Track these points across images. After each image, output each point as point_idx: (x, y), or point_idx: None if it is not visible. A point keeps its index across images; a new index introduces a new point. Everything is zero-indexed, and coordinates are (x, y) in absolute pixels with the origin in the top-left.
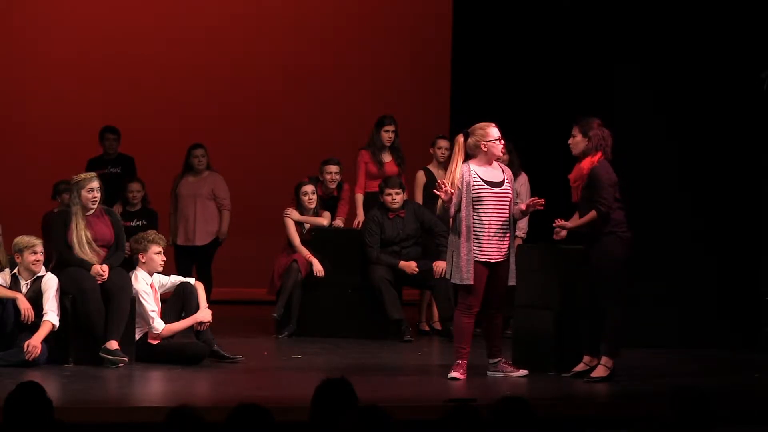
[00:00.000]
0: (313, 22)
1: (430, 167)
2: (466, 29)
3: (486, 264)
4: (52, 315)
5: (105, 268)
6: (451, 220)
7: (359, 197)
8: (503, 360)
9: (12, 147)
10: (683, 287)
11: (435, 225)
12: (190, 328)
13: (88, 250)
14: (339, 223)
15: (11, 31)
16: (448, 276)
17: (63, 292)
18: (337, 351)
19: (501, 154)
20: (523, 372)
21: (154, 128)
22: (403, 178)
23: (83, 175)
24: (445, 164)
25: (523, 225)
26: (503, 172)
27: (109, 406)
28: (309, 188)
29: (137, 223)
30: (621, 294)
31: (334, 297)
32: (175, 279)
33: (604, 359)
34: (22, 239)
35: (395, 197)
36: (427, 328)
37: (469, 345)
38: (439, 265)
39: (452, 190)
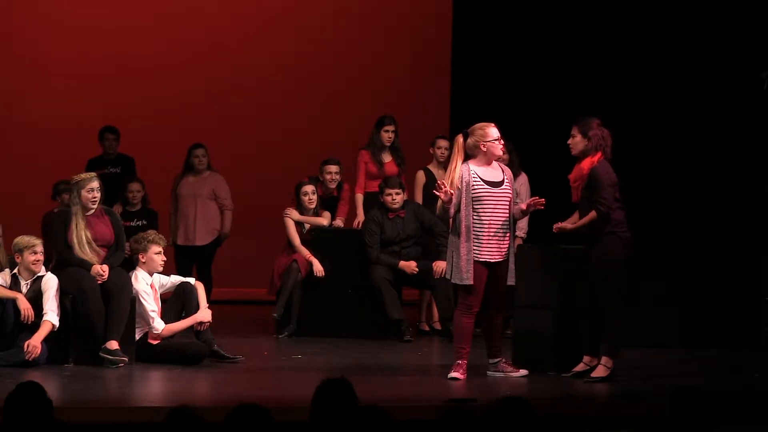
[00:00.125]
0: (313, 22)
1: (430, 167)
2: (466, 29)
3: (486, 264)
4: (52, 315)
5: (105, 268)
6: (450, 220)
7: (359, 197)
8: (503, 360)
9: (12, 147)
10: (683, 287)
11: (435, 225)
12: (190, 328)
13: (88, 250)
14: (339, 223)
15: (11, 31)
16: (448, 276)
17: (63, 292)
18: (337, 351)
19: (501, 154)
20: (523, 372)
21: (154, 128)
22: (403, 178)
23: (83, 175)
24: (444, 164)
25: (523, 225)
26: (503, 172)
27: (109, 406)
28: (309, 188)
29: (137, 223)
30: (621, 294)
31: (334, 297)
32: (175, 279)
33: (604, 359)
34: (22, 239)
35: (395, 197)
36: (427, 328)
37: (469, 345)
38: (439, 265)
39: (452, 191)
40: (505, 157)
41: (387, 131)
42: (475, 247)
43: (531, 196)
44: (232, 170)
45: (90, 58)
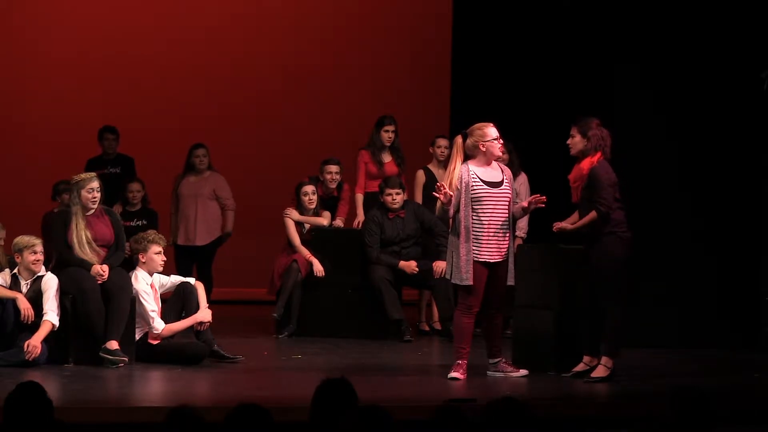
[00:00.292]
0: (313, 22)
1: (430, 166)
2: (466, 29)
3: (485, 264)
4: (52, 315)
5: (105, 268)
6: (450, 220)
7: (359, 197)
8: (503, 360)
9: (12, 147)
10: (683, 287)
11: (435, 225)
12: (190, 328)
13: (88, 250)
14: (339, 223)
15: (11, 31)
16: (447, 276)
17: (63, 292)
18: (337, 351)
19: (500, 154)
20: (523, 372)
21: (154, 128)
22: (403, 178)
23: (83, 175)
24: (444, 163)
25: (523, 225)
26: (502, 172)
27: (109, 406)
28: (309, 188)
29: (137, 223)
30: (621, 294)
31: (334, 297)
32: (175, 279)
33: (604, 359)
34: (22, 239)
35: (395, 197)
36: (427, 328)
37: (469, 345)
38: (439, 265)
39: (451, 193)
40: (505, 157)
41: (387, 131)
42: (474, 248)
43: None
44: (232, 170)
45: (90, 58)
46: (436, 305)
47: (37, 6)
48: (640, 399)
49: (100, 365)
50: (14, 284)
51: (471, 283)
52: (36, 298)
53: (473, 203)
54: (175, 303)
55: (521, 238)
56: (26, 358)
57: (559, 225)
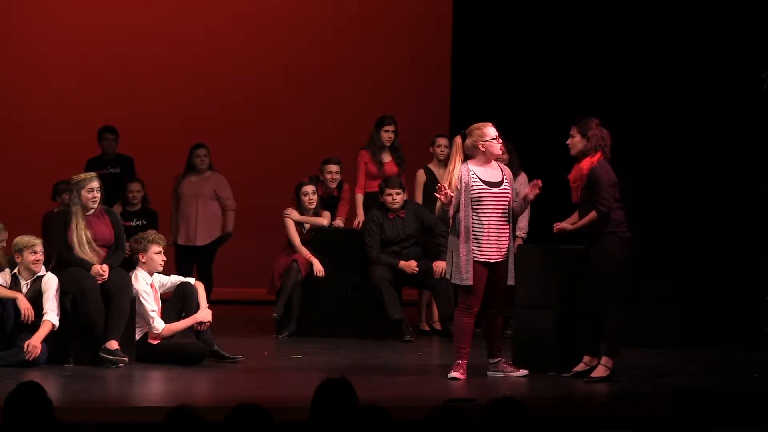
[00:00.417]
0: (313, 22)
1: (430, 166)
2: (466, 29)
3: (485, 264)
4: (52, 315)
5: (105, 268)
6: (450, 220)
7: (359, 197)
8: (503, 360)
9: (12, 147)
10: (683, 287)
11: (435, 225)
12: (190, 328)
13: (88, 250)
14: (339, 223)
15: (11, 31)
16: (447, 276)
17: (63, 292)
18: (337, 351)
19: (500, 153)
20: (523, 372)
21: (154, 128)
22: (403, 178)
23: (83, 175)
24: (445, 162)
25: (523, 225)
26: (502, 171)
27: (109, 406)
28: (309, 188)
29: (137, 223)
30: (621, 294)
31: (334, 297)
32: (176, 279)
33: (604, 359)
34: (22, 239)
35: (395, 197)
36: (427, 328)
37: (469, 345)
38: (439, 265)
39: (451, 193)
40: (505, 156)
41: (387, 131)
42: (474, 248)
43: None
44: (232, 170)
45: (90, 58)
46: (436, 305)
47: (37, 6)
48: (640, 399)
49: (100, 365)
50: (14, 284)
51: (471, 283)
52: (36, 298)
53: (473, 203)
54: (175, 303)
55: (521, 238)
56: (26, 358)
57: (559, 225)
